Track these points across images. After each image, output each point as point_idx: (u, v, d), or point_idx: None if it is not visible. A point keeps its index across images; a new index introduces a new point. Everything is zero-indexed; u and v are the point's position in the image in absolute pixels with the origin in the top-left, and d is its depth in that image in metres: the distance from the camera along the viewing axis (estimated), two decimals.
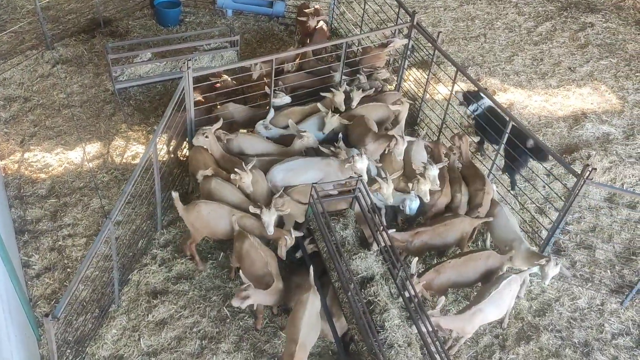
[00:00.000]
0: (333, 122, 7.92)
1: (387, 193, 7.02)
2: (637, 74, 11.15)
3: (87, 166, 8.40)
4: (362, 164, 7.02)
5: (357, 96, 8.30)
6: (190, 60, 7.21)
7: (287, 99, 8.44)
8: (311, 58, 9.20)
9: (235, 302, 6.04)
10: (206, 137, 7.24)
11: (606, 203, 8.64)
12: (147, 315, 6.73)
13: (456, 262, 6.71)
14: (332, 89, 8.48)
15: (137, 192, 7.02)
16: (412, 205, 7.25)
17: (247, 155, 7.63)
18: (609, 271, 7.79)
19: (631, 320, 7.28)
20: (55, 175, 8.30)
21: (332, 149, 7.54)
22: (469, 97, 8.85)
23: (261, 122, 8.00)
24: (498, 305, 6.41)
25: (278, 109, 8.28)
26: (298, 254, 7.23)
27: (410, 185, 7.19)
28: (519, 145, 7.77)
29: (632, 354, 6.93)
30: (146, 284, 7.02)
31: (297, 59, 9.15)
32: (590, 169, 6.44)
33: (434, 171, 7.09)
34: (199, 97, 8.29)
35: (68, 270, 7.16)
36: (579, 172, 6.56)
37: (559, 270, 6.57)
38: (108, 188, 8.13)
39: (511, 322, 7.11)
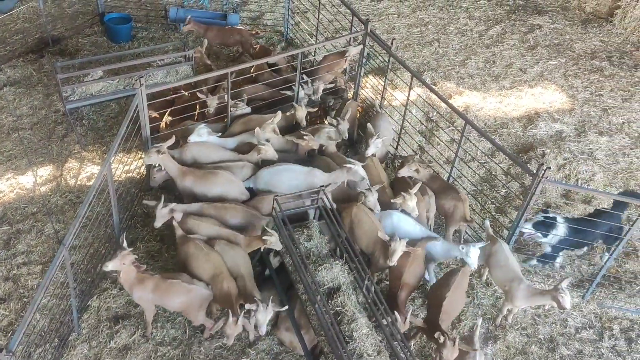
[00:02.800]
0: (268, 129, 7.80)
1: (373, 201, 7.00)
2: (585, 73, 11.53)
3: (39, 190, 8.11)
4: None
5: (301, 112, 8.27)
6: (143, 77, 7.07)
7: (247, 109, 8.38)
8: (267, 70, 9.16)
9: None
10: (161, 153, 7.10)
11: (562, 199, 8.85)
12: (109, 341, 6.51)
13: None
14: (294, 104, 8.48)
15: (94, 215, 6.81)
16: (470, 254, 6.67)
17: (203, 163, 7.58)
18: (568, 266, 7.97)
19: (593, 313, 7.45)
20: (7, 202, 7.99)
21: (303, 137, 7.62)
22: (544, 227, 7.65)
23: (202, 126, 7.77)
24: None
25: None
26: (267, 272, 7.18)
27: (396, 201, 7.12)
28: None
29: (595, 346, 7.08)
30: (107, 309, 6.80)
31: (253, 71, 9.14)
32: (544, 167, 6.58)
33: (373, 197, 7.12)
34: (154, 114, 8.14)
35: (24, 299, 6.88)
36: (535, 171, 6.70)
37: (570, 299, 6.36)
38: (63, 212, 7.87)
39: (475, 319, 7.16)
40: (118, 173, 7.71)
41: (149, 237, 7.68)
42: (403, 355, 5.70)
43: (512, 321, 7.20)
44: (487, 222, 7.32)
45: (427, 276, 7.41)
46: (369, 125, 8.34)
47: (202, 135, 7.68)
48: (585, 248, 7.94)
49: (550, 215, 7.59)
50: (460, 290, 6.60)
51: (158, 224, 6.75)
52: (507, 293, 6.80)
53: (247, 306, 6.07)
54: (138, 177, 8.15)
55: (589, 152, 9.62)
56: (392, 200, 7.19)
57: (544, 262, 7.85)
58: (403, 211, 7.24)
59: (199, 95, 8.18)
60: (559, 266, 7.87)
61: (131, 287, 6.18)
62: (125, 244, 6.05)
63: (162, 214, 6.69)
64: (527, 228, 7.46)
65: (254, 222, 6.98)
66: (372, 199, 7.12)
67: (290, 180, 7.41)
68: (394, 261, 6.55)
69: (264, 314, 6.02)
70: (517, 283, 6.63)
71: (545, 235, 7.44)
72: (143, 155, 7.44)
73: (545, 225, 7.46)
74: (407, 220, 7.10)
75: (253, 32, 10.62)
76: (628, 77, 11.42)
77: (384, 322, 5.88)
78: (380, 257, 6.88)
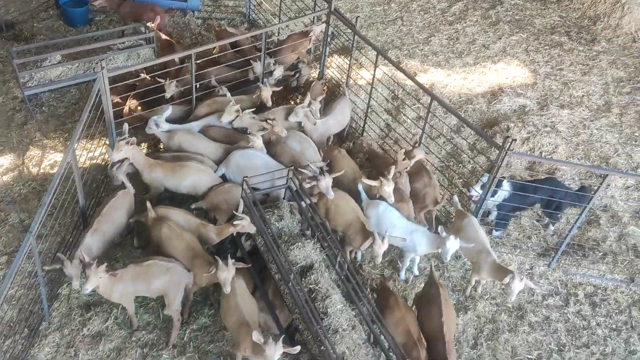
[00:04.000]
0: (232, 111, 7.71)
1: (326, 186, 6.85)
2: (545, 47, 11.74)
3: (0, 180, 7.86)
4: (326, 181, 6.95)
5: (266, 92, 8.19)
6: (103, 60, 6.88)
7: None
8: (230, 51, 9.04)
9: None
10: (130, 144, 6.90)
11: (527, 172, 9.06)
12: (82, 329, 6.42)
13: None
14: (259, 84, 8.39)
15: (59, 203, 6.64)
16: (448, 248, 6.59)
17: (186, 152, 7.49)
18: (534, 236, 8.19)
19: (559, 280, 7.69)
20: None
21: (268, 120, 7.58)
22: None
23: (154, 118, 7.58)
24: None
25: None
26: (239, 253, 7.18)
27: (371, 183, 7.07)
28: None
29: (562, 312, 7.33)
30: (77, 297, 6.68)
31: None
32: (510, 140, 6.71)
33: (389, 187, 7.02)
34: (116, 99, 7.95)
35: None
36: (500, 144, 6.83)
37: (524, 285, 6.34)
38: (27, 201, 7.66)
39: (448, 295, 7.33)
40: (82, 160, 7.53)
41: None
42: (376, 327, 5.80)
43: (481, 292, 7.39)
44: (456, 198, 7.44)
45: (415, 272, 7.47)
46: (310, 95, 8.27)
47: (161, 118, 7.53)
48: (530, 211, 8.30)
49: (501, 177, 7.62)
50: (450, 307, 6.30)
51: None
52: (474, 264, 6.96)
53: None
54: (103, 163, 7.97)
55: (552, 125, 9.84)
56: (364, 181, 7.14)
57: (501, 229, 8.07)
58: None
59: (159, 80, 8.01)
60: (501, 233, 8.09)
61: (110, 293, 6.03)
62: (86, 258, 5.80)
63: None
64: (476, 190, 7.64)
65: (181, 280, 6.43)
66: (388, 189, 6.99)
67: (262, 163, 7.37)
68: (378, 261, 6.63)
69: (227, 272, 5.93)
70: (485, 255, 6.76)
71: (492, 195, 7.55)
72: (109, 150, 7.10)
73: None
74: (392, 212, 7.06)
75: (167, 11, 10.36)
76: (586, 51, 11.69)
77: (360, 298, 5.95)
78: (355, 239, 6.93)
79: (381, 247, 6.48)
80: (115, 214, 6.68)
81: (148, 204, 6.68)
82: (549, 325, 7.18)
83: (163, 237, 6.44)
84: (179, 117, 8.12)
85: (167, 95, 8.11)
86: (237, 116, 7.71)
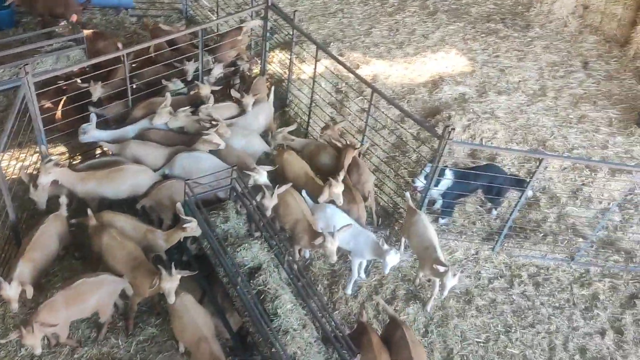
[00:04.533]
0: (165, 115, 7.48)
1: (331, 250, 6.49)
2: (482, 35, 11.99)
3: None
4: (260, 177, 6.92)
5: (205, 90, 8.02)
6: (28, 64, 6.54)
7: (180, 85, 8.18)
8: (166, 49, 8.78)
9: None
10: (60, 166, 6.59)
11: (469, 158, 9.24)
12: (19, 349, 6.11)
13: None
14: (197, 82, 8.19)
15: None
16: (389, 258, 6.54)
17: (141, 162, 7.23)
18: (478, 222, 8.37)
19: (503, 263, 7.89)
20: None
21: (213, 122, 7.40)
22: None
23: (83, 126, 7.31)
24: None
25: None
26: (185, 256, 7.02)
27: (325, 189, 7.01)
28: None
29: (507, 294, 7.53)
30: (12, 316, 6.35)
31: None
32: (450, 129, 6.80)
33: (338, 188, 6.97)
34: (47, 104, 7.59)
35: None
36: (441, 134, 6.91)
37: (457, 281, 6.47)
38: None
39: (398, 284, 7.41)
40: (12, 170, 7.16)
41: None
42: (328, 326, 5.78)
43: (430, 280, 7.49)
44: (408, 194, 7.40)
45: (362, 275, 7.40)
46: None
47: (90, 126, 7.25)
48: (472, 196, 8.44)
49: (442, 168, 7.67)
50: (418, 347, 6.04)
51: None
52: (420, 261, 7.01)
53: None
54: (35, 172, 7.57)
55: (491, 112, 10.07)
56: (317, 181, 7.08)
57: (447, 217, 8.20)
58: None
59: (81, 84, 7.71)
60: (447, 220, 8.22)
61: (43, 331, 5.66)
62: (16, 306, 5.57)
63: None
64: (420, 180, 7.75)
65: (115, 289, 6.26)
66: (337, 190, 6.97)
67: (209, 165, 7.20)
68: (333, 260, 6.55)
69: (171, 282, 5.76)
70: (431, 252, 6.73)
71: (436, 185, 7.64)
72: (39, 175, 6.67)
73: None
74: (339, 215, 7.01)
75: (83, 8, 10.08)
76: (521, 38, 12.01)
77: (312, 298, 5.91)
78: (302, 237, 6.86)
79: (333, 244, 6.43)
80: (47, 241, 6.32)
81: (89, 211, 6.42)
82: (495, 307, 7.35)
83: (104, 246, 6.20)
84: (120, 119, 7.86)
85: (94, 98, 7.81)
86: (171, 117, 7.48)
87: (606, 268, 7.92)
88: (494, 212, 8.44)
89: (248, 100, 7.97)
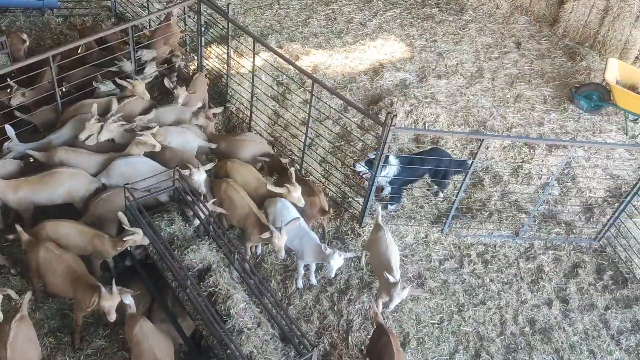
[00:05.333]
0: (94, 129, 7.02)
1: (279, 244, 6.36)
2: (418, 21, 12.10)
3: None
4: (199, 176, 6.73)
5: (140, 87, 7.75)
6: None
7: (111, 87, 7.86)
8: (95, 49, 8.42)
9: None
10: None
11: (414, 143, 9.34)
12: None
13: None
14: (129, 80, 7.88)
15: None
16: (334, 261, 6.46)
17: None
18: (426, 205, 8.48)
19: (452, 244, 8.04)
20: None
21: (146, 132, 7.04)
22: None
23: (5, 145, 6.98)
24: None
25: None
26: (127, 262, 6.79)
27: (278, 190, 6.84)
28: None
29: (458, 274, 7.68)
30: None
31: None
32: (392, 116, 6.82)
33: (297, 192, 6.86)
34: None
35: None
36: (383, 121, 6.93)
37: (407, 293, 6.21)
38: None
39: (352, 273, 7.42)
40: None
41: None
42: (284, 322, 5.72)
43: None
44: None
45: (312, 281, 7.24)
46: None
47: (12, 139, 6.90)
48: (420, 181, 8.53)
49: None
50: (402, 352, 5.99)
51: None
52: (379, 279, 6.80)
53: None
54: None
55: (431, 96, 10.20)
56: (269, 188, 6.86)
57: (396, 203, 8.25)
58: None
59: None
60: (396, 207, 8.28)
61: None
62: None
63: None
64: (361, 166, 7.75)
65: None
66: (296, 194, 6.86)
67: (148, 169, 6.94)
68: (282, 256, 6.45)
69: (111, 301, 5.55)
70: (387, 270, 6.35)
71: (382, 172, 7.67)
72: None
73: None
74: (290, 209, 6.88)
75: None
76: (456, 22, 12.21)
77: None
78: (252, 232, 6.73)
79: (280, 240, 6.33)
80: None
81: (18, 227, 6.07)
82: (447, 288, 7.49)
83: (41, 260, 5.89)
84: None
85: (14, 104, 7.42)
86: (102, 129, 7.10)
87: (549, 241, 8.20)
88: (441, 194, 8.58)
89: (180, 92, 7.73)
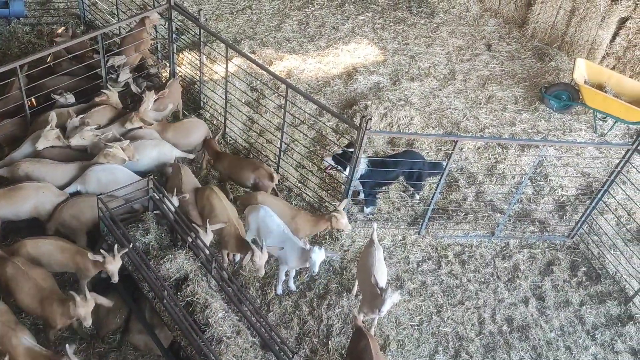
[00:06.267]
0: (51, 137, 6.92)
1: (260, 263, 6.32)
2: (390, 24, 12.19)
3: None
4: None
5: (114, 96, 7.70)
6: None
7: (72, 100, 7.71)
8: (65, 57, 8.27)
9: None
10: None
11: (389, 146, 9.38)
12: None
13: None
14: (103, 90, 7.78)
15: None
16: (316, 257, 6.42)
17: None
18: (403, 208, 8.53)
19: (430, 245, 8.09)
20: None
21: (117, 145, 6.95)
22: (342, 161, 7.76)
23: None
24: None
25: None
26: (103, 274, 6.65)
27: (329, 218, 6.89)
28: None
29: (436, 275, 7.73)
30: None
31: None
32: (367, 119, 6.84)
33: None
34: None
35: None
36: (358, 125, 6.95)
37: (398, 297, 6.10)
38: None
39: (330, 278, 7.41)
40: None
41: None
42: (263, 330, 5.67)
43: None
44: (375, 224, 7.07)
45: (291, 286, 7.20)
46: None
47: None
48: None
49: (350, 150, 7.64)
50: (381, 355, 6.04)
51: None
52: (362, 294, 6.72)
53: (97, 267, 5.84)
54: None
55: (405, 99, 10.28)
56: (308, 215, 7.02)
57: (371, 205, 8.26)
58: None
59: None
60: (372, 209, 8.30)
61: None
62: None
63: None
64: (328, 161, 7.86)
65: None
66: (344, 220, 6.84)
67: (125, 177, 6.85)
68: (261, 273, 6.36)
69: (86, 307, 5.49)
70: (370, 292, 6.23)
71: (344, 167, 7.72)
72: None
73: (344, 158, 7.68)
74: (272, 218, 6.79)
75: None
76: (428, 24, 12.33)
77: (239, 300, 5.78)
78: (229, 242, 6.68)
79: (262, 259, 6.24)
80: None
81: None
82: (425, 289, 7.53)
83: (8, 276, 5.75)
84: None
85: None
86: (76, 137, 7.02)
87: (524, 239, 8.33)
88: (417, 196, 8.63)
89: (149, 96, 7.65)
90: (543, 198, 8.90)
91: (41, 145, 6.86)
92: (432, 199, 7.82)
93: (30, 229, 6.93)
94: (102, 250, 5.79)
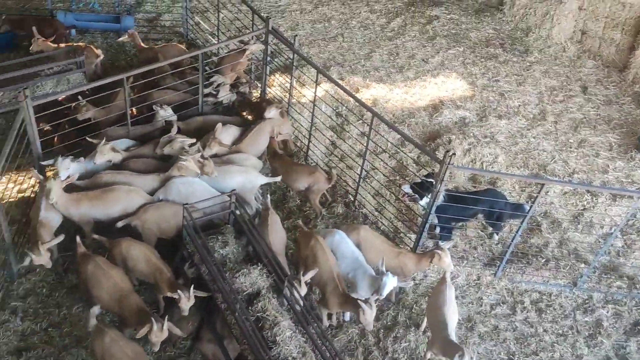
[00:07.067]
0: (105, 150, 7.22)
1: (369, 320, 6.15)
2: (481, 60, 12.05)
3: None
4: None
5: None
6: (27, 88, 6.52)
7: (170, 114, 8.12)
8: (168, 72, 8.80)
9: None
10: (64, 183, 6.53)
11: (470, 183, 9.19)
12: None
13: None
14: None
15: None
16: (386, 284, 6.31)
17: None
18: (480, 247, 8.29)
19: (505, 289, 7.78)
20: None
21: (199, 159, 7.26)
22: (419, 190, 7.71)
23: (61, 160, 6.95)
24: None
25: None
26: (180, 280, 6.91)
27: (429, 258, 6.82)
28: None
29: (509, 320, 7.41)
30: (7, 342, 6.23)
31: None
32: (450, 154, 6.76)
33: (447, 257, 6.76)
34: (46, 127, 7.57)
35: None
36: (442, 159, 6.88)
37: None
38: None
39: (398, 310, 7.29)
40: (9, 193, 7.11)
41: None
42: (328, 354, 5.66)
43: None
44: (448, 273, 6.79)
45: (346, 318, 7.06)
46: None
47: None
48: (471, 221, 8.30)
49: (429, 180, 7.58)
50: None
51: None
52: (432, 334, 6.52)
53: (170, 295, 5.82)
54: (32, 196, 7.53)
55: (491, 136, 10.06)
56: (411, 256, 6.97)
57: (445, 240, 8.03)
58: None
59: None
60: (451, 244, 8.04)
61: None
62: None
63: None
64: (405, 189, 7.79)
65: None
66: (447, 259, 6.73)
67: (204, 192, 7.15)
68: (370, 328, 6.28)
69: (159, 337, 5.70)
70: (442, 328, 6.14)
71: (421, 197, 7.63)
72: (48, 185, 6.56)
73: (422, 188, 7.60)
74: (347, 244, 6.79)
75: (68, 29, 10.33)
76: (520, 62, 12.08)
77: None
78: (331, 301, 6.51)
79: (371, 315, 6.07)
80: None
81: (78, 239, 6.34)
82: (497, 334, 7.23)
83: (89, 273, 6.13)
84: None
85: (80, 119, 7.82)
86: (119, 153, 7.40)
87: (609, 294, 7.82)
88: (496, 237, 8.37)
89: (272, 109, 8.18)
90: (634, 253, 8.35)
91: (98, 160, 7.17)
92: (512, 241, 7.54)
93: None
94: (179, 291, 5.89)
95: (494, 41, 12.68)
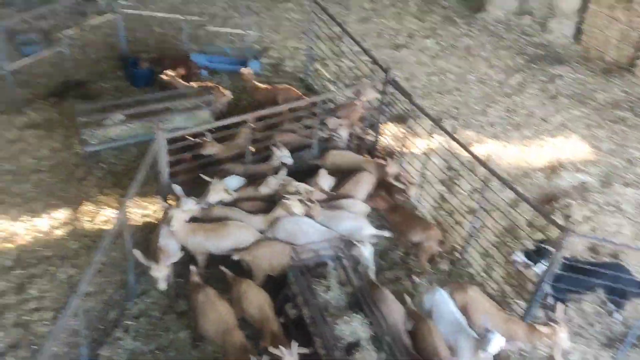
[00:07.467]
0: (218, 189, 7.40)
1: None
2: (608, 123, 11.36)
3: (55, 234, 8.02)
4: None
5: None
6: (161, 121, 7.06)
7: (287, 153, 8.38)
8: (288, 116, 9.17)
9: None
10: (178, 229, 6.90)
11: (589, 252, 8.54)
12: None
13: None
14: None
15: (108, 260, 6.68)
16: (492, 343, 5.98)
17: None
18: (598, 324, 7.60)
19: None
20: (21, 245, 7.90)
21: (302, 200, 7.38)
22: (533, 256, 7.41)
23: (185, 200, 7.07)
24: None
25: None
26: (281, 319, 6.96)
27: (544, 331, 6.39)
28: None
29: None
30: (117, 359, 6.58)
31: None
32: (572, 220, 6.34)
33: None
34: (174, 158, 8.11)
35: (34, 347, 6.67)
36: (562, 224, 6.46)
37: None
38: (77, 256, 7.75)
39: None
40: (136, 217, 7.63)
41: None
42: None
43: None
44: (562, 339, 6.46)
45: None
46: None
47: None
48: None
49: (544, 247, 7.20)
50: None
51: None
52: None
53: (271, 350, 5.77)
54: (156, 222, 8.04)
55: (616, 204, 9.34)
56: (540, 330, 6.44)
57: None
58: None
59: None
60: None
61: None
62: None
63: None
64: (518, 256, 7.34)
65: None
66: (563, 334, 6.36)
67: (311, 229, 7.26)
68: None
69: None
70: None
71: (534, 263, 7.17)
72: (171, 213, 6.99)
73: (537, 254, 7.20)
74: (447, 304, 6.59)
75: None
76: None
77: None
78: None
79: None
80: None
81: (192, 268, 6.62)
82: None
83: (198, 303, 6.35)
84: None
85: (204, 153, 8.28)
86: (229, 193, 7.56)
87: None
88: (617, 315, 7.63)
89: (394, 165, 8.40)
90: None
91: (211, 199, 7.38)
92: (638, 323, 6.84)
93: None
94: (281, 346, 5.85)
95: (623, 104, 11.93)
